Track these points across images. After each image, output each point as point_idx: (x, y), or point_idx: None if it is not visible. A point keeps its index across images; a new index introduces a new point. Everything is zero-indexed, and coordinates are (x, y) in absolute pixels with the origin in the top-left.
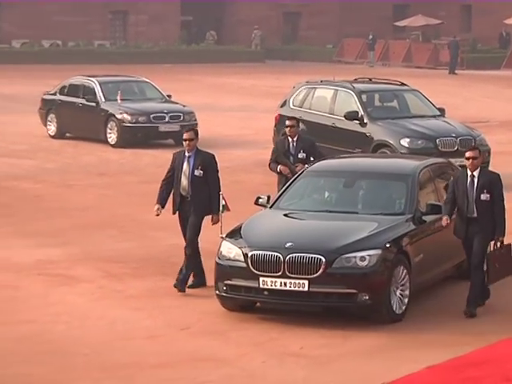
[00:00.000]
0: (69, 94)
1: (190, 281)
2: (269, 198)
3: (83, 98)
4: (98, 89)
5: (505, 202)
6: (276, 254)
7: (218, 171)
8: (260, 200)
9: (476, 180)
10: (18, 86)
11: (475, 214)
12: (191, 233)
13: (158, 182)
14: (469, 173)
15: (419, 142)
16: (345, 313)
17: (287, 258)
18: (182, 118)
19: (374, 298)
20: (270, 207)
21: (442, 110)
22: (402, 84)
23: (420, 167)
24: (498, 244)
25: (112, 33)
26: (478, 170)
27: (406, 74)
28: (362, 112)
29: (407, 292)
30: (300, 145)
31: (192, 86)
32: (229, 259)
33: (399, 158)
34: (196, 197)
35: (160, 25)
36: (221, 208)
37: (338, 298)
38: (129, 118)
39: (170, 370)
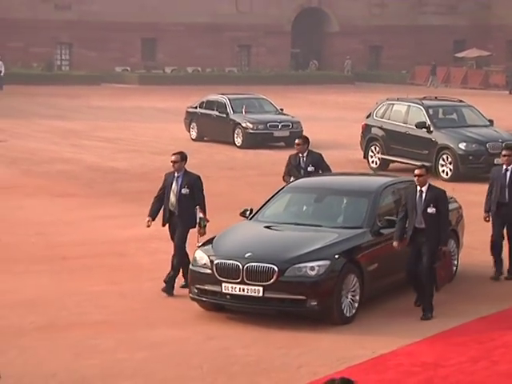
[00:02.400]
0: (206, 107)
1: (183, 281)
2: (251, 210)
3: (217, 110)
4: (228, 104)
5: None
6: (236, 262)
7: (202, 190)
8: (244, 212)
9: (424, 195)
10: (169, 102)
11: (423, 225)
12: (178, 243)
13: (273, 175)
14: (418, 188)
15: (473, 145)
16: (298, 316)
17: (245, 266)
18: (291, 126)
19: (322, 303)
20: (250, 219)
21: (491, 121)
22: (460, 101)
23: (383, 186)
24: (442, 253)
25: (239, 61)
26: (426, 186)
27: (463, 93)
28: (428, 122)
29: (358, 297)
30: (309, 160)
31: (299, 102)
32: (200, 266)
33: (369, 176)
34: (182, 212)
35: (275, 55)
36: (198, 220)
37: (290, 304)
38: (251, 125)
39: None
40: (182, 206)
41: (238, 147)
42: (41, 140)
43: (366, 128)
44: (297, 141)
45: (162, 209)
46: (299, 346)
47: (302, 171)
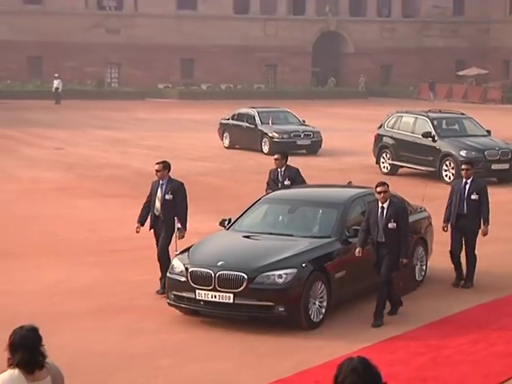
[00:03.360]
0: (237, 119)
1: (160, 288)
2: (230, 220)
3: (247, 122)
4: (256, 116)
5: (408, 229)
6: (209, 270)
7: (185, 196)
8: (223, 222)
9: (385, 211)
10: (205, 114)
11: (383, 239)
12: (162, 244)
13: None
14: (380, 204)
15: (473, 152)
16: (267, 321)
17: (217, 274)
18: (312, 135)
19: (289, 309)
20: (227, 229)
21: (488, 131)
22: (461, 113)
23: (353, 197)
24: (402, 265)
25: (266, 79)
26: (387, 202)
27: (464, 107)
28: (433, 132)
29: (325, 303)
30: (286, 174)
31: (318, 115)
32: (176, 273)
33: (341, 188)
34: (166, 216)
35: (298, 73)
36: (176, 230)
37: (258, 310)
38: (276, 135)
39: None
40: (166, 211)
41: (265, 154)
42: (93, 148)
43: (378, 137)
44: (275, 156)
45: (150, 214)
46: (315, 332)
47: (280, 184)
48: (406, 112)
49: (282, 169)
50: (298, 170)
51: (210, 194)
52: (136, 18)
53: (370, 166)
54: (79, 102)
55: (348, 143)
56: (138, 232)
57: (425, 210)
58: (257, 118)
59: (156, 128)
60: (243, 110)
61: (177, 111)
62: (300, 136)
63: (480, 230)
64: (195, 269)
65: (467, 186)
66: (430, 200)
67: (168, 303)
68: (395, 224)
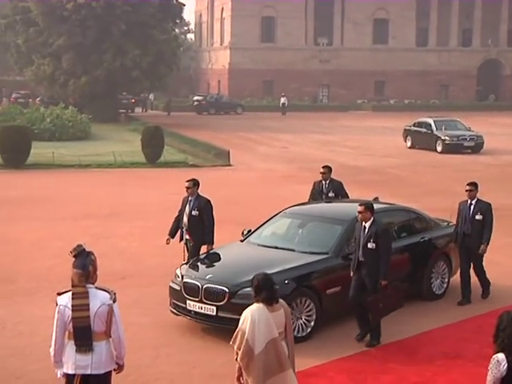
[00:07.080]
0: (417, 126)
1: None
2: (249, 231)
3: (424, 128)
4: (432, 124)
5: (390, 250)
6: (197, 283)
7: (211, 212)
8: (243, 233)
9: (366, 230)
10: (392, 123)
11: (362, 259)
12: (192, 254)
13: (462, 171)
14: (363, 223)
15: None
16: None
17: (204, 287)
18: (475, 138)
19: None
20: (241, 241)
21: None
22: None
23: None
24: (381, 287)
25: (440, 95)
26: (369, 222)
27: None
28: None
29: (313, 318)
30: (330, 186)
31: (481, 123)
32: (175, 283)
33: (354, 203)
34: (193, 230)
35: (465, 91)
36: (184, 240)
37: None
38: (448, 138)
39: None
40: (191, 226)
41: (438, 153)
42: (309, 147)
43: None
44: (322, 170)
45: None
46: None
47: (324, 196)
48: None
49: (327, 181)
50: (341, 183)
51: (396, 182)
52: (342, 51)
53: None
54: (299, 113)
55: (505, 145)
56: (168, 243)
57: (451, 227)
58: (433, 125)
59: (356, 133)
60: (422, 119)
61: (371, 120)
62: (466, 139)
63: (480, 249)
64: (187, 280)
65: (472, 207)
66: None
67: (170, 310)
68: (374, 244)
